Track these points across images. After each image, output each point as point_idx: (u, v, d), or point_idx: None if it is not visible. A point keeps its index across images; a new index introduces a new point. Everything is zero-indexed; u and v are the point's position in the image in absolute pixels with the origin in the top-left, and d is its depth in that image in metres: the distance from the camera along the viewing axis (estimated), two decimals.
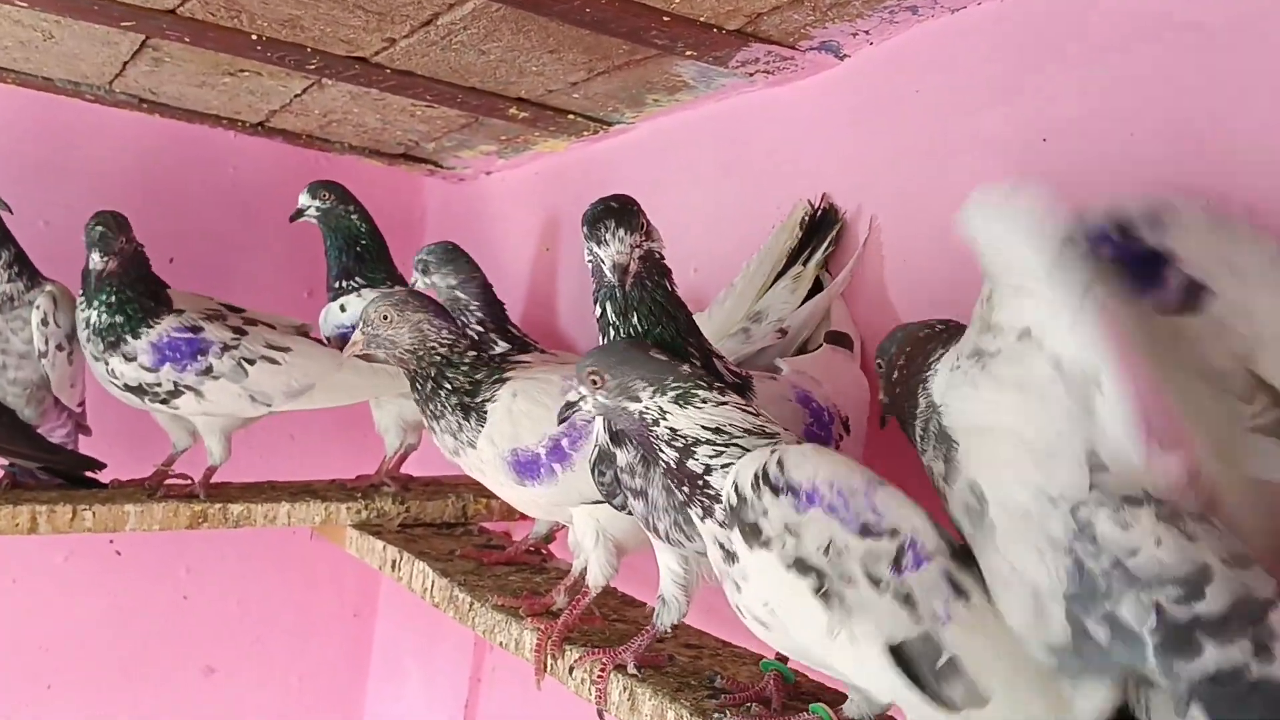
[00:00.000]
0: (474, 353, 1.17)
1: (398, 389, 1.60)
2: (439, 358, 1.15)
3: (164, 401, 1.51)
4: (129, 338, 1.50)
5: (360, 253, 1.74)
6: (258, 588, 2.16)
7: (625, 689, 0.94)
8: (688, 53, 1.32)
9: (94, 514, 1.44)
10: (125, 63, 1.69)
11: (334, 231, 1.73)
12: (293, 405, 1.55)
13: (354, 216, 1.75)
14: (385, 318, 1.16)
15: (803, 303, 1.19)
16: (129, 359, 1.50)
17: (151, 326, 1.51)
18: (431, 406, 1.15)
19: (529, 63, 1.46)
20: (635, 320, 0.91)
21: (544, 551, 1.46)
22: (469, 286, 1.50)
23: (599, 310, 0.93)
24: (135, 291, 1.53)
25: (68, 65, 1.76)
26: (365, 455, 2.20)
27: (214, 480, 1.63)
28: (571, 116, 1.69)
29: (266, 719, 2.17)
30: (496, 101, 1.64)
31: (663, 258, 0.94)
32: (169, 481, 1.60)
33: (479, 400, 1.13)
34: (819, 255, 1.22)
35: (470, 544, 1.48)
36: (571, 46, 1.38)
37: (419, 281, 1.52)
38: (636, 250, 0.91)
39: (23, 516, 1.40)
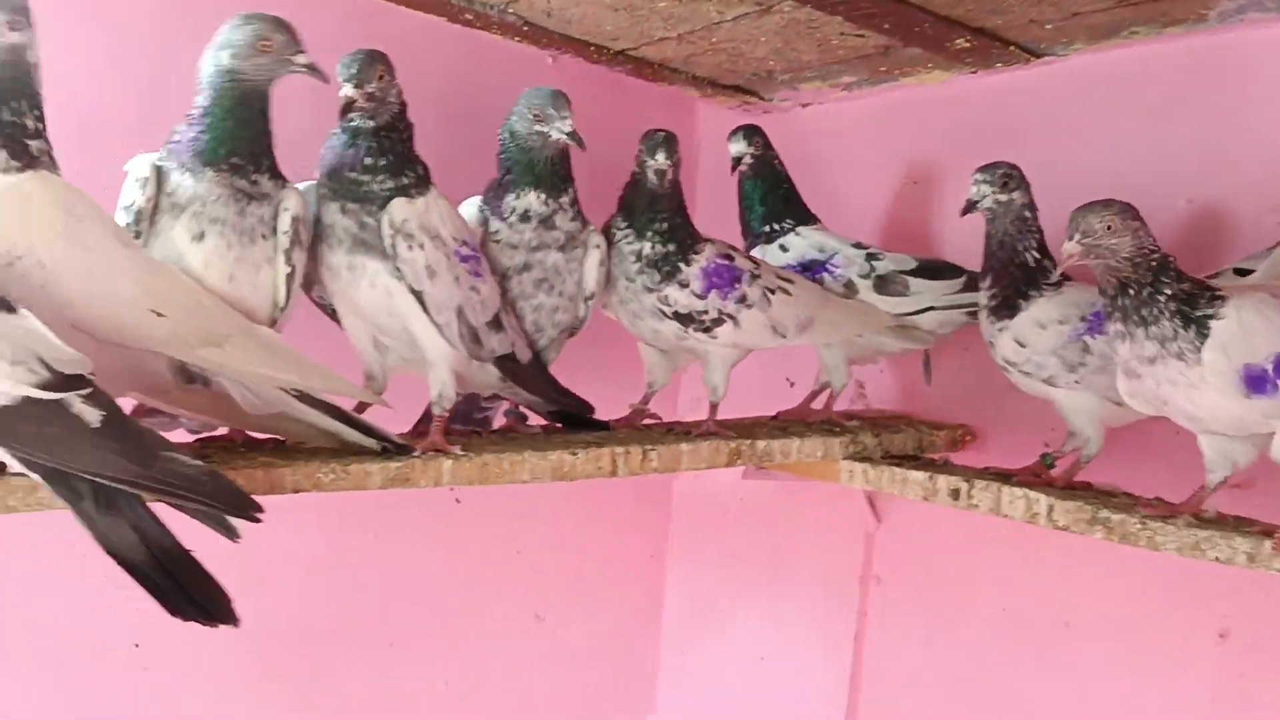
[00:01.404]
0: (1172, 260, 1.21)
1: (873, 326, 1.61)
2: (1155, 263, 1.20)
3: (706, 330, 1.48)
4: (682, 265, 1.47)
5: (785, 194, 1.74)
6: (577, 533, 2.11)
7: None
8: None
9: (658, 454, 1.39)
10: None
11: (763, 176, 1.72)
12: (800, 339, 1.53)
13: (776, 162, 1.73)
14: (1109, 227, 1.20)
15: None
16: (683, 286, 1.47)
17: (698, 254, 1.49)
18: (1144, 312, 1.19)
19: None
20: None
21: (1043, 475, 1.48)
22: (1033, 209, 1.46)
23: None
24: (682, 218, 1.50)
25: None
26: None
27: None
28: (1012, 48, 1.68)
29: (588, 661, 2.15)
30: (951, 30, 1.62)
31: None
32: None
33: (1200, 314, 1.17)
34: None
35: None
36: None
37: (990, 198, 1.43)
38: None
39: (604, 460, 1.35)
